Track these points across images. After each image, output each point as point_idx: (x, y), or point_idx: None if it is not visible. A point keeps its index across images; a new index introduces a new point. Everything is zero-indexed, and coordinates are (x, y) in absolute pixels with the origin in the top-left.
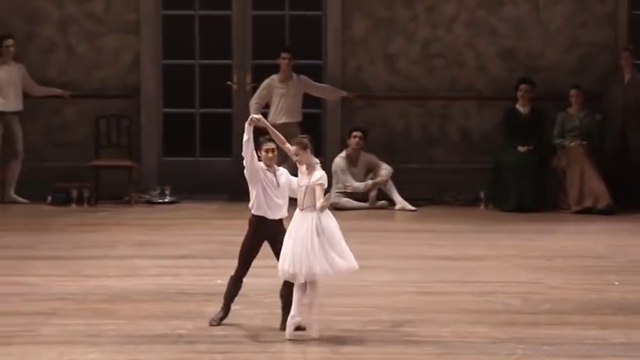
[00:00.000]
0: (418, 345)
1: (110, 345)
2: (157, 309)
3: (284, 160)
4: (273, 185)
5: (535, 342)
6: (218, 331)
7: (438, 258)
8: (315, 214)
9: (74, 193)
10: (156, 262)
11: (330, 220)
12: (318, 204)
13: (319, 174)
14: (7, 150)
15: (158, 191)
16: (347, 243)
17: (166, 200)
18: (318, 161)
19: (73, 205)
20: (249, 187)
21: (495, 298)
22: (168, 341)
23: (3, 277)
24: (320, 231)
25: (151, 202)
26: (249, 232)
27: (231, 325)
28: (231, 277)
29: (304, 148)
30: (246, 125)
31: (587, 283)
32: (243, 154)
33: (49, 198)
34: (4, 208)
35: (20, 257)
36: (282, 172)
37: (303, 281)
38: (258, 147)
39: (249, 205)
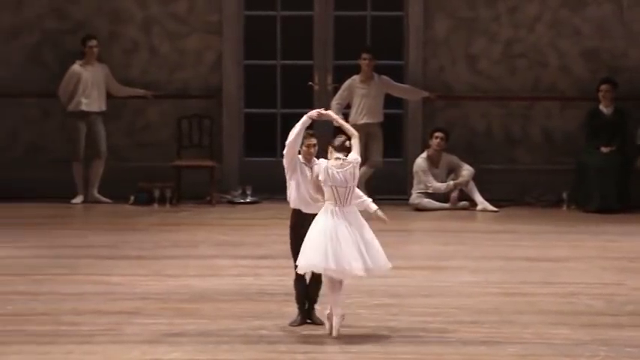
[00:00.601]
0: (500, 346)
1: (192, 344)
2: (238, 309)
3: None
4: (307, 180)
5: (618, 344)
6: (299, 331)
7: (520, 259)
8: (327, 210)
9: (156, 193)
10: (237, 262)
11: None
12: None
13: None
14: (90, 150)
15: (239, 191)
16: (427, 244)
17: (248, 200)
18: (352, 160)
19: (156, 205)
20: (287, 180)
21: (578, 299)
22: (249, 341)
23: (86, 276)
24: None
25: (232, 202)
26: (290, 227)
27: (312, 325)
28: (294, 280)
29: (328, 146)
30: (305, 117)
31: None
32: (287, 142)
33: (132, 198)
34: (87, 207)
35: (103, 257)
36: None
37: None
38: None
39: (287, 198)
